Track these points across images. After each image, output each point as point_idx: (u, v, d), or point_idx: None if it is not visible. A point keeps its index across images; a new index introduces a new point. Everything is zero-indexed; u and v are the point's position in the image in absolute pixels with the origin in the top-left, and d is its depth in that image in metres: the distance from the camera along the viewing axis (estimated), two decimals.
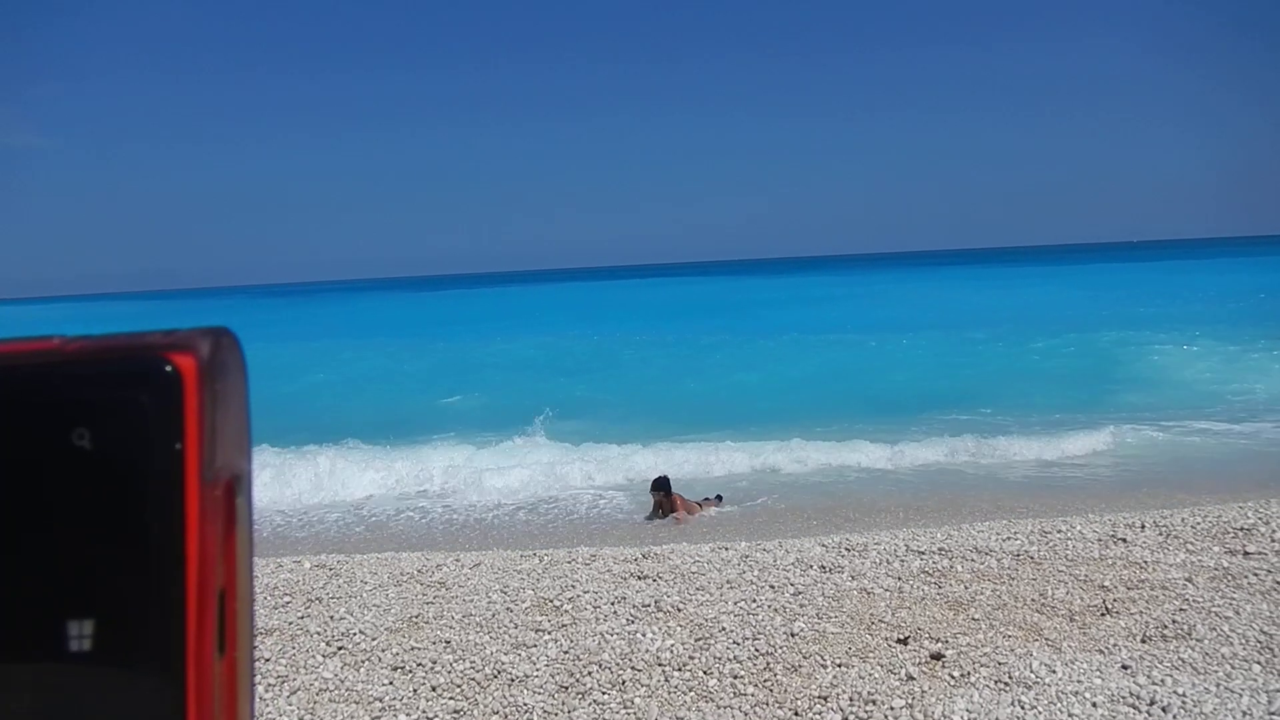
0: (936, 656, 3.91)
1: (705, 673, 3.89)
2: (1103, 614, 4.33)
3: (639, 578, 5.20)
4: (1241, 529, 5.43)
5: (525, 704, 3.71)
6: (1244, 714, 3.26)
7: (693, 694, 3.74)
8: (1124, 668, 3.73)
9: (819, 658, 3.96)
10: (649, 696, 3.73)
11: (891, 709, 3.49)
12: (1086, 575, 4.83)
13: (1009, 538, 5.60)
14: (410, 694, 3.86)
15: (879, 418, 14.14)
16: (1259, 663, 3.70)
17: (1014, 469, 10.56)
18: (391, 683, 3.97)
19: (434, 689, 3.89)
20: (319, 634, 4.52)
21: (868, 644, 4.09)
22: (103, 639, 0.37)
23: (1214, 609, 4.24)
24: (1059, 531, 5.65)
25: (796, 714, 3.54)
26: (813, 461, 11.36)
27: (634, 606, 4.65)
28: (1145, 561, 4.99)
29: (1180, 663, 3.74)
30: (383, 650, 4.29)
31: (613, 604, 4.71)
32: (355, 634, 4.49)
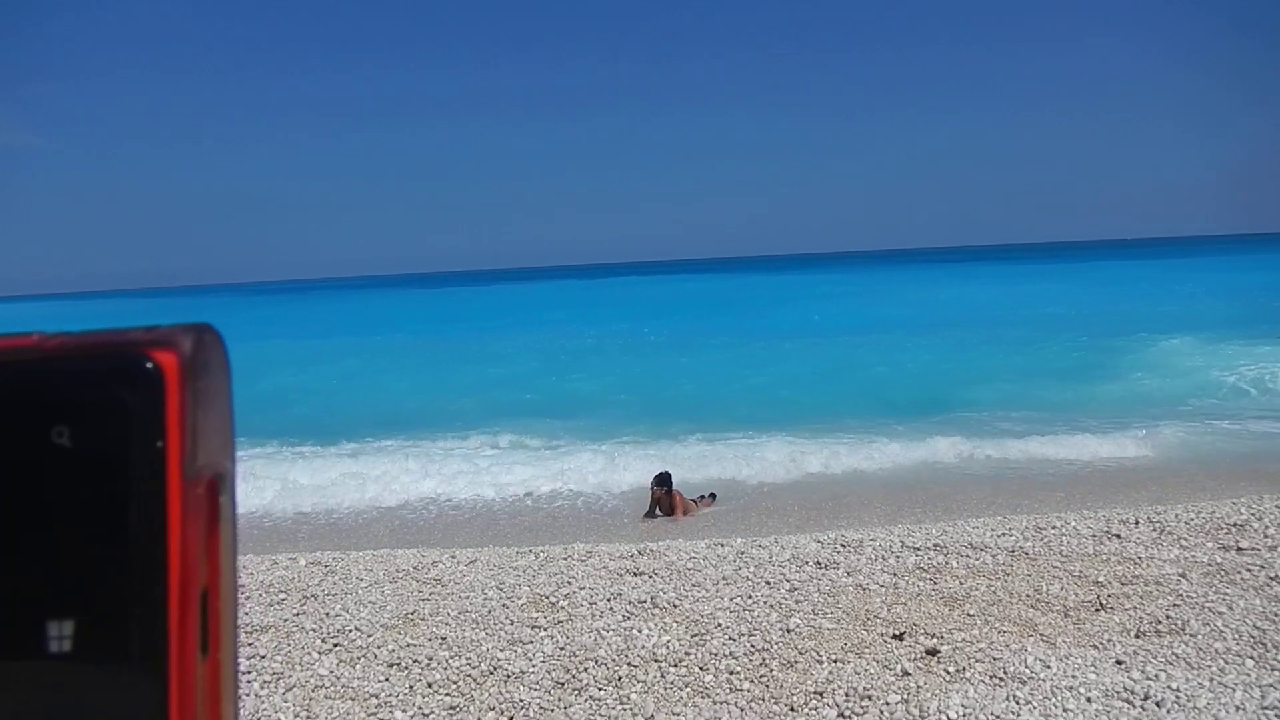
0: (932, 652, 3.92)
1: (701, 669, 3.90)
2: (1097, 609, 4.35)
3: (635, 574, 5.20)
4: (1235, 525, 5.45)
5: (522, 700, 3.72)
6: (1237, 709, 3.28)
7: (689, 690, 3.75)
8: (1118, 663, 3.74)
9: (815, 653, 3.97)
10: (645, 692, 3.73)
11: (887, 704, 3.49)
12: (1081, 571, 4.85)
13: (1004, 534, 5.61)
14: (406, 690, 3.86)
15: (876, 414, 14.15)
16: (1252, 658, 3.72)
17: (1009, 465, 10.58)
18: (388, 679, 3.97)
19: (430, 685, 3.90)
20: (314, 631, 4.52)
21: (863, 640, 4.10)
22: (83, 639, 0.37)
23: (1207, 604, 4.26)
24: (1053, 527, 5.66)
25: (792, 709, 3.55)
26: (808, 458, 11.37)
27: (630, 603, 4.65)
28: (1139, 557, 5.01)
29: (1174, 658, 3.76)
30: (379, 647, 4.29)
31: (609, 600, 4.72)
32: (351, 631, 4.49)
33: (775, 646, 4.05)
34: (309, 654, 4.25)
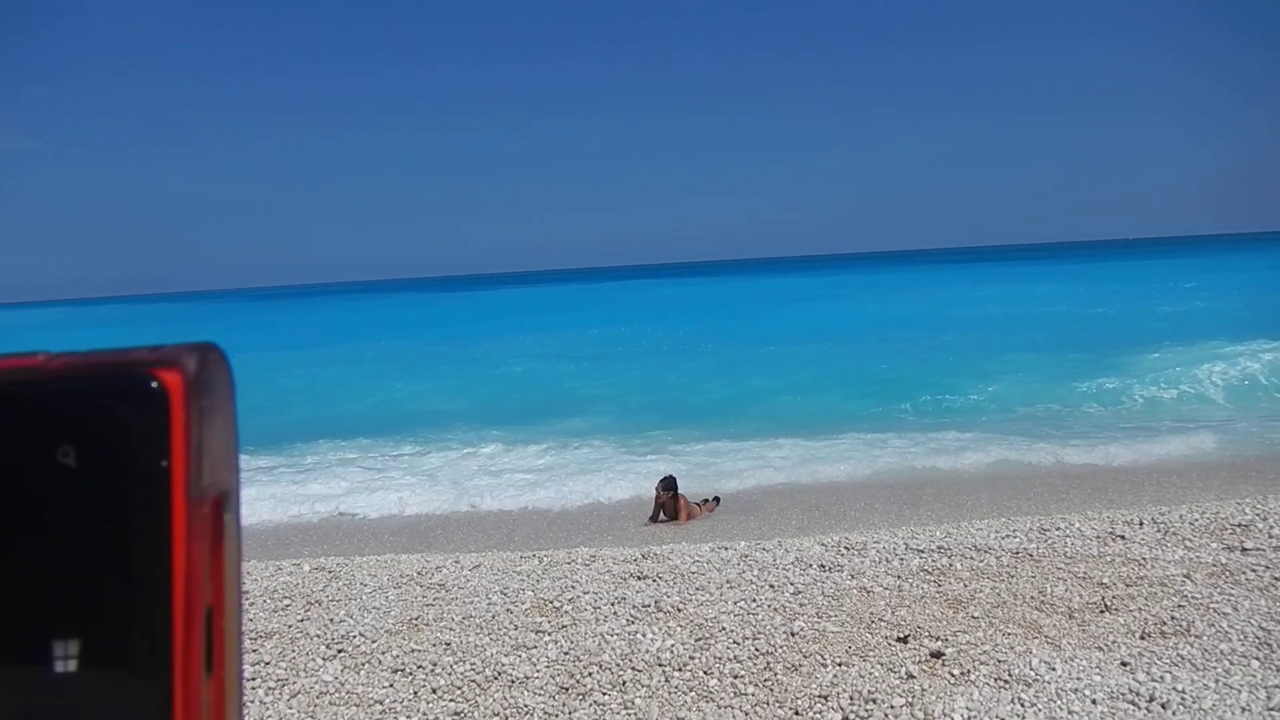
0: (936, 655, 3.92)
1: (705, 673, 3.90)
2: (1102, 611, 4.34)
3: (639, 578, 5.20)
4: (1239, 525, 5.44)
5: (526, 705, 3.71)
6: (1243, 710, 3.27)
7: (693, 694, 3.74)
8: (1123, 664, 3.73)
9: (819, 657, 3.97)
10: (649, 697, 3.73)
11: (892, 707, 3.49)
12: (1085, 572, 4.84)
13: (1008, 535, 5.61)
14: (411, 696, 3.86)
15: (878, 417, 14.15)
16: (1257, 659, 3.71)
17: (1012, 466, 10.57)
18: (392, 685, 3.97)
19: (434, 691, 3.90)
20: (319, 637, 4.52)
21: (868, 643, 4.10)
22: (89, 658, 0.37)
23: (1212, 605, 4.25)
24: (1058, 529, 5.65)
25: (797, 713, 3.54)
26: (811, 461, 11.36)
27: (634, 607, 4.65)
28: (1144, 558, 5.00)
29: (1179, 659, 3.75)
30: (383, 653, 4.29)
31: (613, 604, 4.71)
32: (355, 636, 4.49)
33: (779, 650, 4.05)
34: (313, 660, 4.25)
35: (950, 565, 5.10)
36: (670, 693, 3.76)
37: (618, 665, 3.99)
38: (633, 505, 9.56)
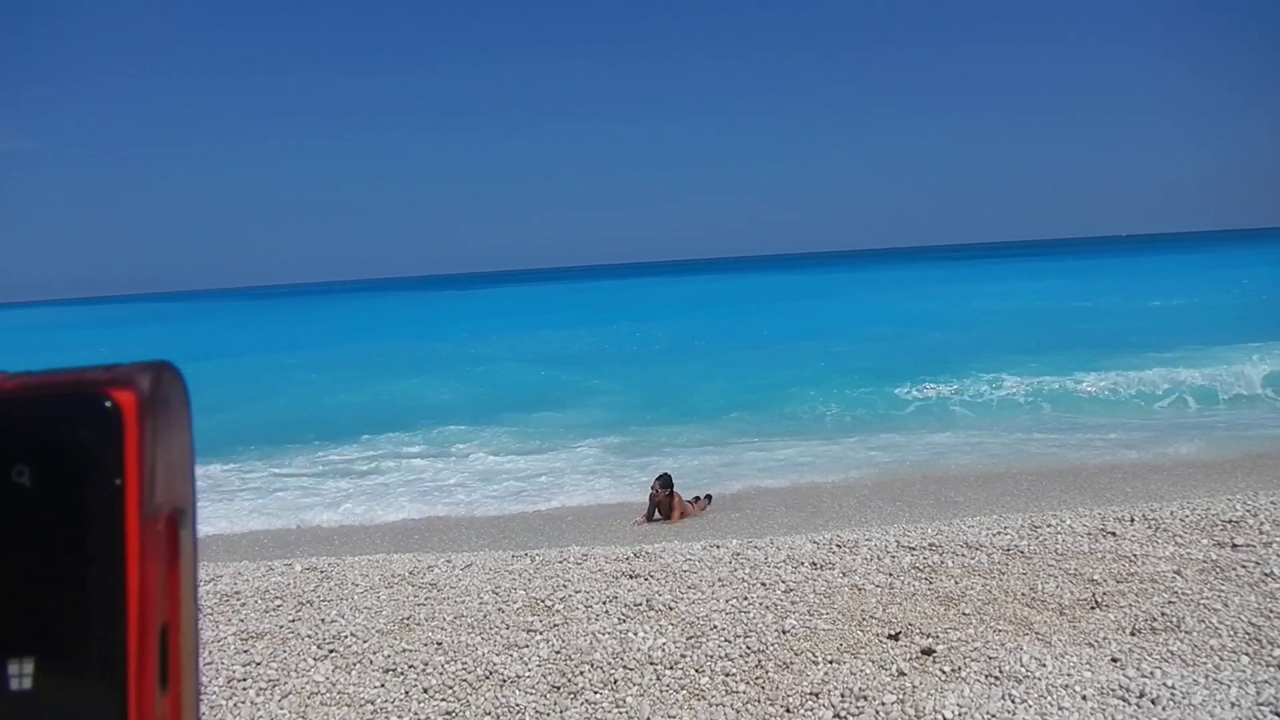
0: (927, 652, 3.92)
1: (697, 671, 3.90)
2: (1092, 607, 4.35)
3: (630, 577, 5.20)
4: (1230, 522, 5.46)
5: (517, 704, 3.71)
6: (1233, 705, 3.28)
7: (685, 692, 3.74)
8: (1113, 660, 3.74)
9: (810, 654, 3.97)
10: (641, 695, 3.73)
11: (883, 704, 3.49)
12: (1076, 569, 4.85)
13: (999, 532, 5.62)
14: (402, 696, 3.86)
15: (870, 414, 14.17)
16: (1247, 654, 3.72)
17: (1004, 464, 10.59)
18: (383, 685, 3.96)
19: (426, 691, 3.89)
20: (310, 637, 4.51)
21: (859, 640, 4.10)
22: (43, 677, 0.37)
23: (1203, 601, 4.26)
24: (1049, 526, 5.67)
25: (788, 710, 3.55)
26: (803, 458, 11.37)
27: (626, 605, 4.65)
28: (1134, 555, 5.01)
29: (1169, 655, 3.76)
30: (374, 653, 4.28)
31: (604, 603, 4.71)
32: (346, 636, 4.48)
33: (771, 648, 4.05)
34: (304, 660, 4.24)
35: (941, 562, 5.11)
36: (662, 691, 3.76)
37: (609, 664, 3.99)
38: (625, 504, 9.56)
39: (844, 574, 5.00)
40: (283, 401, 17.81)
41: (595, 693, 3.77)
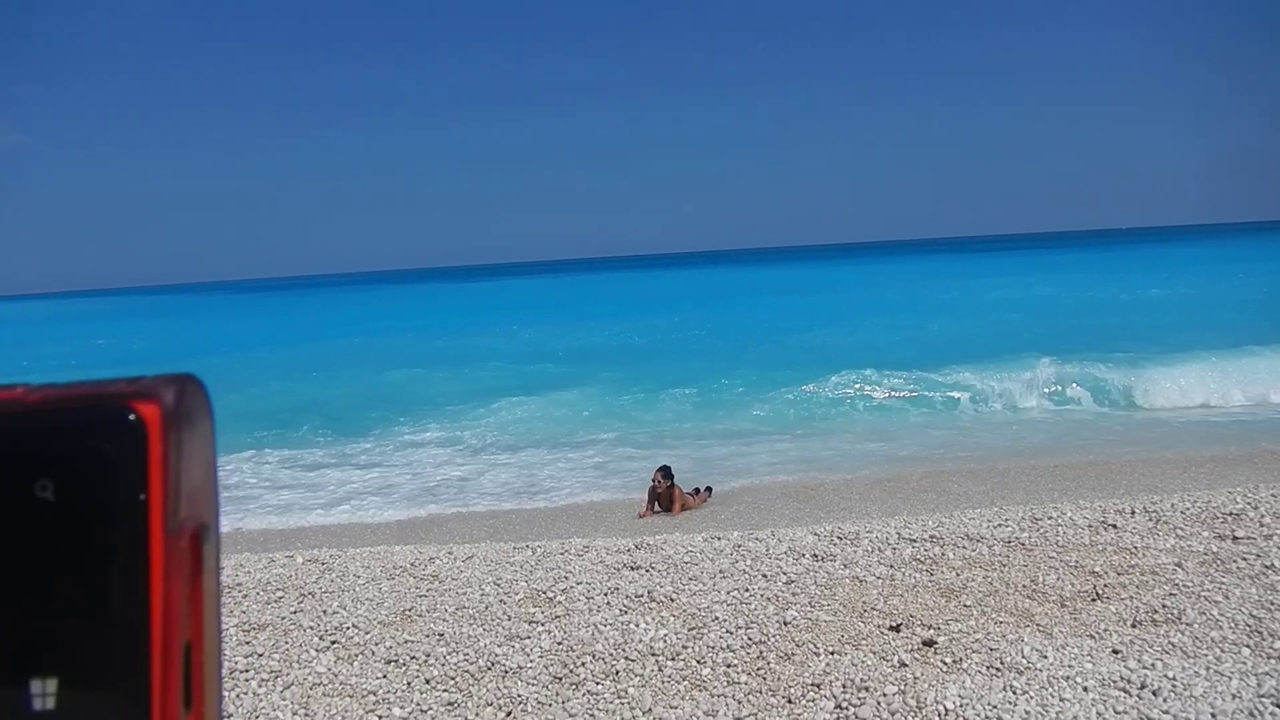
0: (929, 643, 3.93)
1: (699, 662, 3.90)
2: (1093, 599, 4.36)
3: (632, 568, 5.20)
4: (1230, 514, 5.46)
5: (519, 695, 3.72)
6: (1233, 696, 3.29)
7: (686, 683, 3.75)
8: (1114, 652, 3.75)
9: (812, 646, 3.97)
10: (643, 686, 3.74)
11: (884, 695, 3.50)
12: (1077, 561, 4.86)
13: (1000, 524, 5.62)
14: (404, 687, 3.86)
15: (870, 407, 14.17)
16: (1248, 646, 3.73)
17: (1005, 455, 10.59)
18: (385, 676, 3.97)
19: (428, 682, 3.90)
20: (312, 628, 4.51)
21: (860, 631, 4.11)
22: (67, 696, 0.37)
23: (1203, 593, 4.27)
24: (1050, 518, 5.67)
25: (790, 701, 3.55)
26: (804, 450, 11.38)
27: (627, 597, 4.66)
28: (1135, 547, 5.02)
29: (1170, 647, 3.77)
30: (376, 644, 4.29)
31: (606, 595, 4.72)
32: (348, 628, 4.49)
33: (772, 639, 4.05)
34: (307, 651, 4.25)
35: (943, 554, 5.11)
36: (663, 682, 3.77)
37: (611, 655, 4.00)
38: (626, 496, 9.57)
39: (845, 566, 5.01)
40: (283, 396, 17.81)
41: (597, 684, 3.78)
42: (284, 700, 3.80)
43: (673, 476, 8.84)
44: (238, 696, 3.85)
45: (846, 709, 3.45)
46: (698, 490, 9.27)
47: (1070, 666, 3.61)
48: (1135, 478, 8.89)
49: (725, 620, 4.28)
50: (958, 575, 4.77)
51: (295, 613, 4.75)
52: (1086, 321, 24.03)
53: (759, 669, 3.82)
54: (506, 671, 3.93)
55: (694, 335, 26.97)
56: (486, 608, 4.67)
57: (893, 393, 14.79)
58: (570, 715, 3.57)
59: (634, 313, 36.72)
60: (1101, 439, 11.16)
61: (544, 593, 4.82)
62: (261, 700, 3.81)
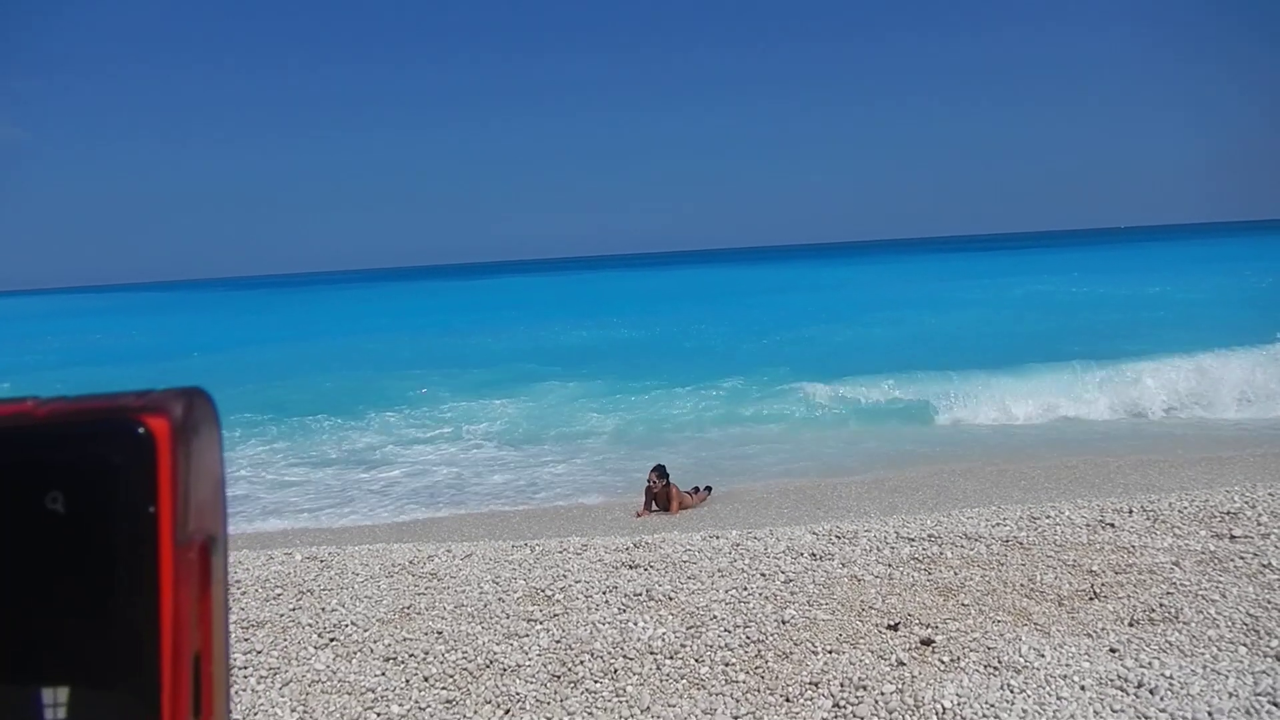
0: (927, 642, 3.93)
1: (697, 660, 3.91)
2: (1091, 598, 4.36)
3: (630, 567, 5.21)
4: (1228, 513, 5.47)
5: (518, 693, 3.72)
6: (1230, 695, 3.30)
7: (684, 681, 3.76)
8: (1112, 651, 3.76)
9: (810, 644, 3.98)
10: (641, 685, 3.74)
11: (882, 694, 3.51)
12: (1075, 560, 4.86)
13: (998, 524, 5.63)
14: (403, 684, 3.87)
15: (868, 406, 14.18)
16: (1245, 645, 3.74)
17: (1003, 454, 10.60)
18: (384, 673, 3.97)
19: (426, 679, 3.90)
20: (311, 626, 4.52)
21: (858, 630, 4.11)
22: (77, 706, 0.37)
23: (1201, 592, 4.28)
24: (1047, 517, 5.68)
25: (788, 700, 3.56)
26: (803, 450, 11.38)
27: (625, 595, 4.66)
28: (1133, 546, 5.03)
29: (1167, 645, 3.77)
30: (375, 641, 4.29)
31: (604, 593, 4.72)
32: (347, 625, 4.49)
33: (770, 638, 4.06)
34: (305, 649, 4.25)
35: (941, 553, 5.12)
36: (661, 680, 3.77)
37: (609, 653, 4.00)
38: (624, 495, 9.57)
39: (843, 565, 5.02)
40: (282, 393, 17.81)
41: (595, 682, 3.79)
42: (282, 697, 3.81)
43: (668, 476, 8.84)
44: (236, 694, 3.86)
45: (844, 707, 3.46)
46: (697, 489, 9.28)
47: (1068, 665, 3.62)
48: (1132, 476, 8.90)
49: (723, 619, 4.29)
50: (956, 574, 4.77)
51: (294, 610, 4.76)
52: (1081, 315, 24.06)
53: (757, 667, 3.82)
54: (505, 669, 3.93)
55: (693, 334, 26.97)
56: (485, 606, 4.67)
57: (893, 393, 14.78)
58: (568, 713, 3.58)
59: (633, 311, 36.72)
60: (1094, 436, 11.16)
61: (542, 591, 4.83)
62: (260, 697, 3.81)
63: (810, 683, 3.65)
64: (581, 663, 3.94)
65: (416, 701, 3.72)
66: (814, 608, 4.39)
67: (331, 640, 4.34)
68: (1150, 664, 3.60)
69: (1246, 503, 5.65)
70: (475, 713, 3.63)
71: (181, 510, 0.38)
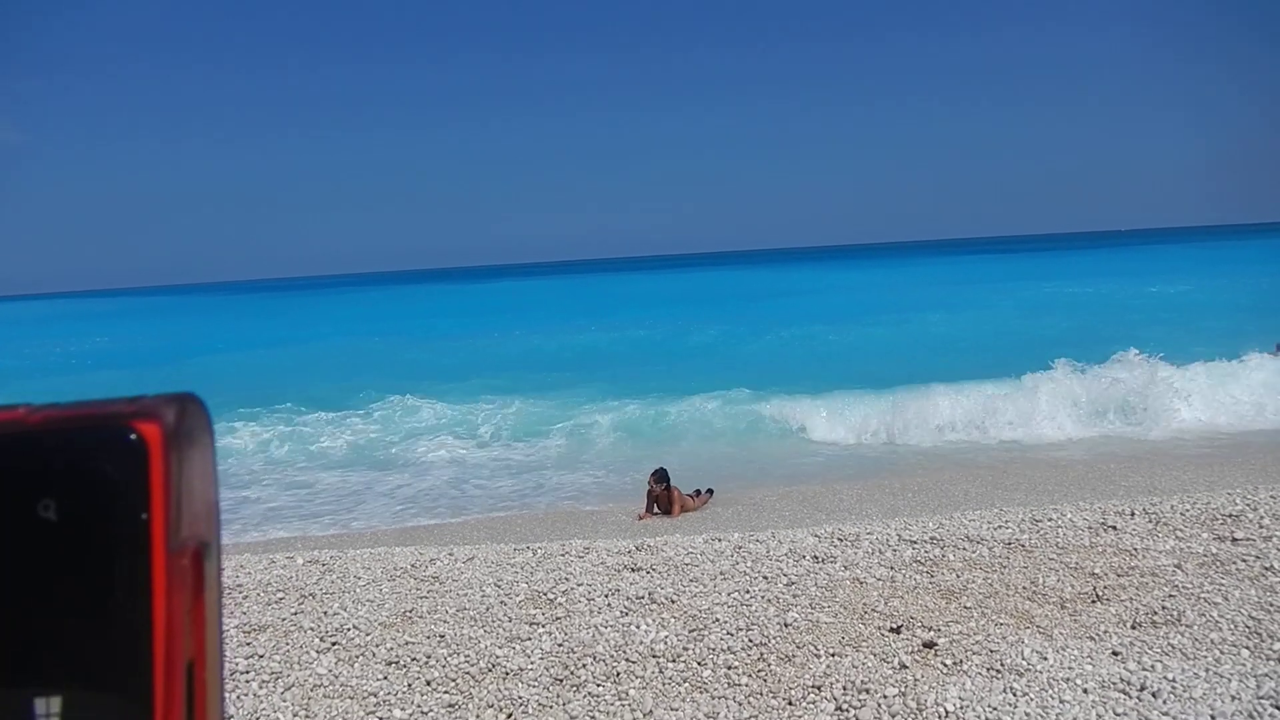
0: (929, 645, 3.93)
1: (699, 663, 3.91)
2: (1093, 601, 4.36)
3: (632, 570, 5.21)
4: (1230, 515, 5.47)
5: (520, 697, 3.72)
6: (1233, 698, 3.29)
7: (687, 685, 3.75)
8: (1114, 654, 3.75)
9: (812, 647, 3.98)
10: (643, 688, 3.74)
11: (885, 697, 3.50)
12: (1077, 563, 4.86)
13: (1000, 526, 5.63)
14: (405, 689, 3.87)
15: (872, 408, 14.15)
16: (1247, 648, 3.74)
17: (1005, 458, 10.60)
18: (386, 678, 3.97)
19: (429, 683, 3.90)
20: (313, 630, 4.52)
21: (861, 633, 4.11)
22: (71, 714, 0.37)
23: (1203, 595, 4.27)
24: (1050, 519, 5.68)
25: (790, 703, 3.56)
26: (804, 452, 11.38)
27: (628, 599, 4.66)
28: (1135, 549, 5.02)
29: (1170, 648, 3.77)
30: (377, 645, 4.29)
31: (606, 596, 4.72)
32: (349, 629, 4.49)
33: (773, 641, 4.06)
34: (307, 653, 4.25)
35: (943, 556, 5.12)
36: (664, 684, 3.77)
37: (612, 657, 4.00)
38: (626, 498, 9.57)
39: (846, 567, 5.01)
40: (282, 396, 17.79)
41: (598, 685, 3.79)
42: (284, 702, 3.81)
43: (668, 479, 8.84)
44: (238, 698, 3.86)
45: (847, 710, 3.46)
46: (698, 492, 9.27)
47: (1070, 668, 3.62)
48: (1134, 479, 8.90)
49: (726, 622, 4.29)
50: (958, 577, 4.77)
51: (296, 614, 4.76)
52: (1080, 315, 24.06)
53: (760, 671, 3.82)
54: (507, 673, 3.93)
55: (695, 336, 26.97)
56: (487, 609, 4.67)
57: (894, 392, 14.76)
58: (571, 717, 3.57)
59: (635, 315, 36.71)
60: (1096, 438, 11.14)
61: (545, 594, 4.83)
62: (262, 702, 3.81)
63: (813, 686, 3.65)
64: (584, 666, 3.94)
65: (419, 705, 3.72)
66: (816, 610, 4.39)
67: (333, 644, 4.34)
68: (1153, 667, 3.59)
69: (1248, 505, 5.65)
70: (478, 716, 3.63)
71: (174, 517, 0.38)
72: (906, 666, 3.74)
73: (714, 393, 15.22)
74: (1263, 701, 3.26)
